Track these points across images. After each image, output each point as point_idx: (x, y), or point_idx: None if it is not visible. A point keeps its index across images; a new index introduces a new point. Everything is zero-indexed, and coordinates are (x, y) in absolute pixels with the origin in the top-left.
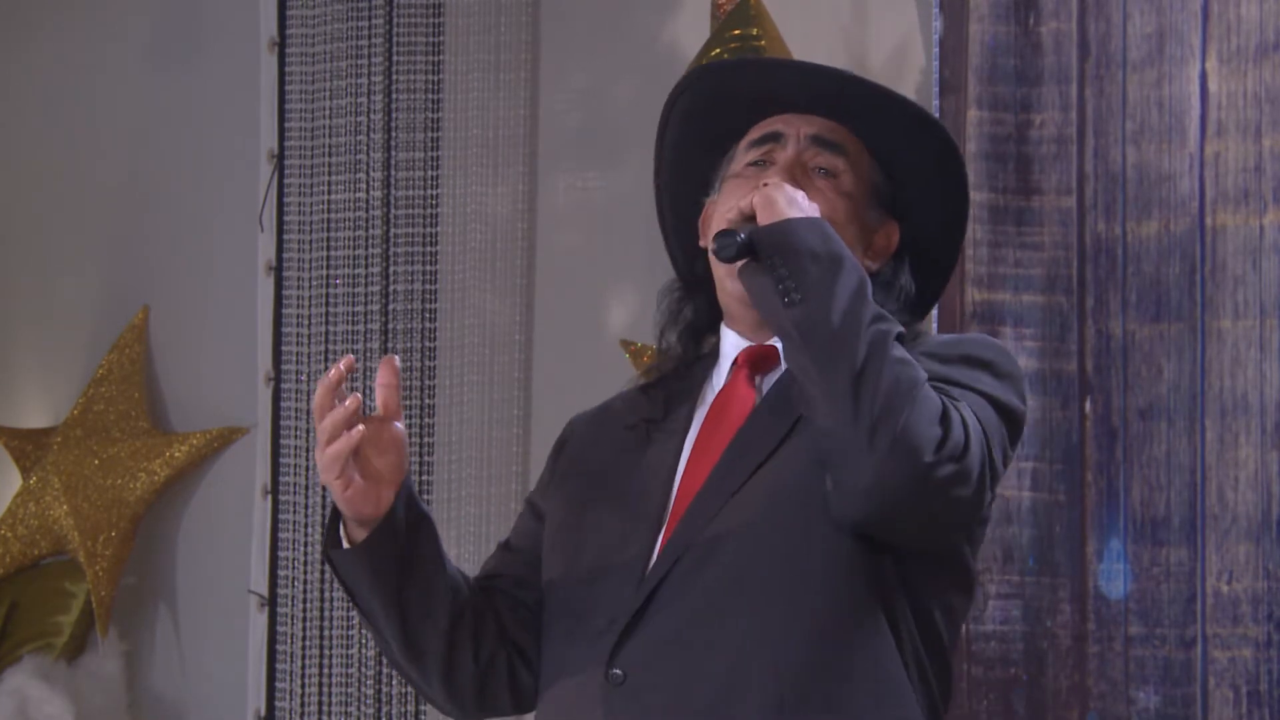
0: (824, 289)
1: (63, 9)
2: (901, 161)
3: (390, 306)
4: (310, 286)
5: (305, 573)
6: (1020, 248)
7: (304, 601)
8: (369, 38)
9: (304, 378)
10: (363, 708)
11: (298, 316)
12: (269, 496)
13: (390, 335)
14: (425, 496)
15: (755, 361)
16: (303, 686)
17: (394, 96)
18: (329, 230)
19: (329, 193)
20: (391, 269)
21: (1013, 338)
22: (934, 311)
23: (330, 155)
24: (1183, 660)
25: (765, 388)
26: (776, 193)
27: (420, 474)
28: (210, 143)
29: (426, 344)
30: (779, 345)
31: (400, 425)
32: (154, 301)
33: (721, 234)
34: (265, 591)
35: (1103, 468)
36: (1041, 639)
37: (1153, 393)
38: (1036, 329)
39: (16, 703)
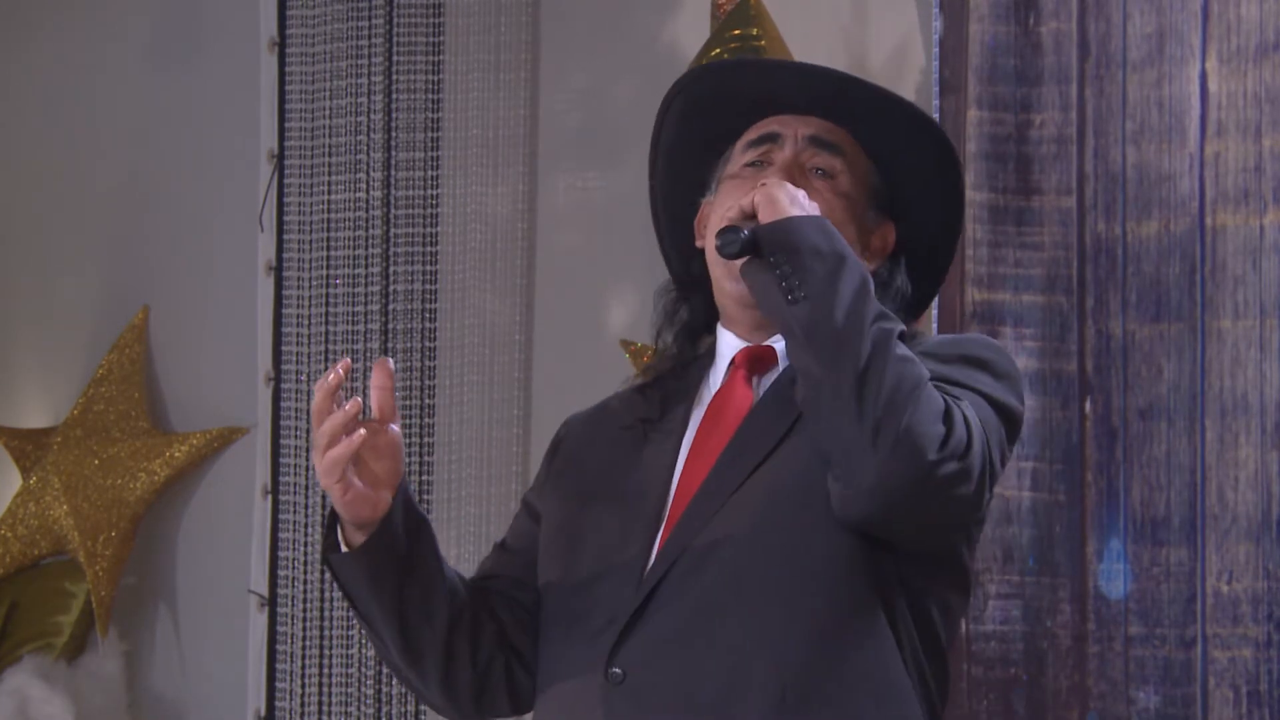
0: (827, 287)
1: (63, 9)
2: (899, 163)
3: (390, 306)
4: (310, 286)
5: (305, 573)
6: (1020, 248)
7: (304, 601)
8: (369, 38)
9: (304, 378)
10: (363, 708)
11: (298, 316)
12: (269, 496)
13: (390, 335)
14: (425, 496)
15: (752, 362)
16: (303, 686)
17: (394, 96)
18: (329, 230)
19: (329, 193)
20: (391, 269)
21: (1013, 338)
22: (934, 311)
23: (330, 155)
24: (1183, 660)
25: (762, 388)
26: (778, 191)
27: (420, 474)
28: (210, 143)
29: (426, 344)
30: (776, 346)
31: (396, 428)
32: (154, 301)
33: (725, 230)
34: (265, 591)
35: (1103, 468)
36: (1041, 639)
37: (1153, 393)
38: (1036, 329)
39: (16, 703)
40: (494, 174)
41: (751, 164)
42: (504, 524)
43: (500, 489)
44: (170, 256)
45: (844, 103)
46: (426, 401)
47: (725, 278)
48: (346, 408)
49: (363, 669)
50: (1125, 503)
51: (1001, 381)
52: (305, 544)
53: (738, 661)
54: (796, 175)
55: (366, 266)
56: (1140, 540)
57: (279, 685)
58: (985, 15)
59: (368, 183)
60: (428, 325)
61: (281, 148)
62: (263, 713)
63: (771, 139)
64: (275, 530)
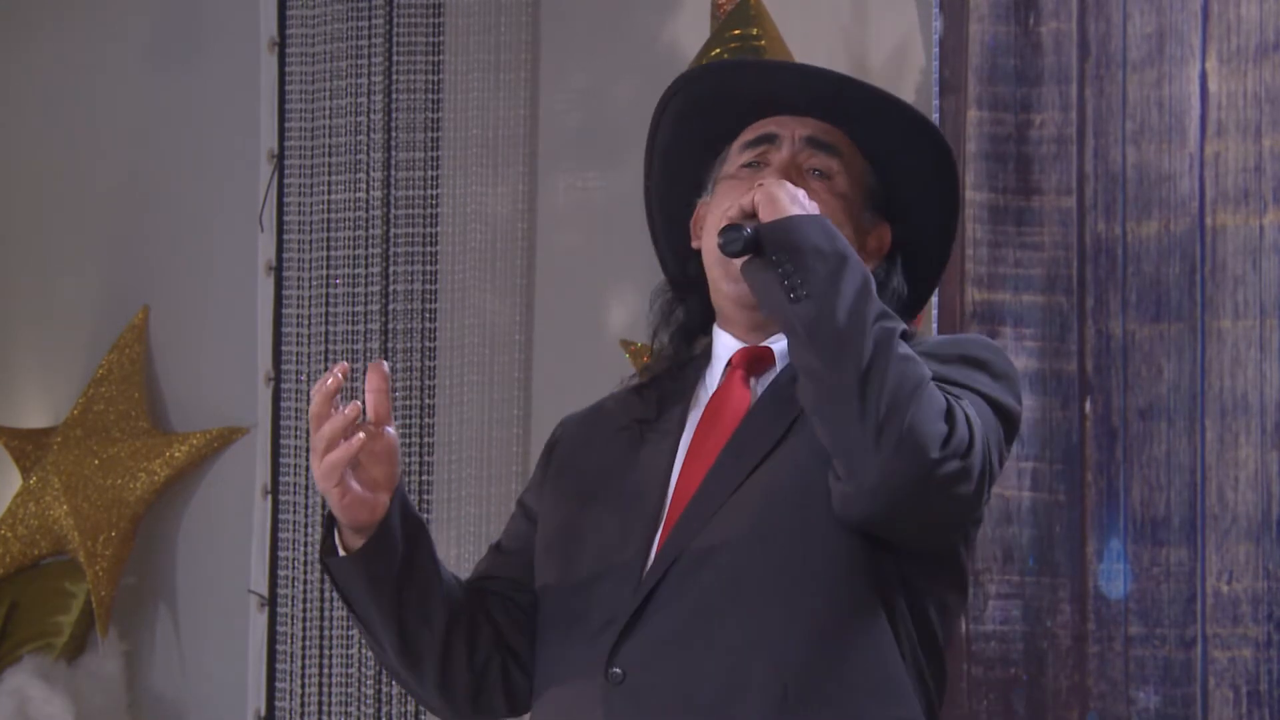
0: (830, 286)
1: (63, 9)
2: (895, 164)
3: (390, 306)
4: (310, 286)
5: (305, 573)
6: (1020, 248)
7: (304, 601)
8: (369, 38)
9: (304, 378)
10: (363, 708)
11: (298, 316)
12: (269, 496)
13: (390, 335)
14: (425, 497)
15: (750, 363)
16: (303, 686)
17: (394, 96)
18: (329, 230)
19: (329, 193)
20: (391, 269)
21: (1013, 338)
22: (934, 311)
23: (330, 155)
24: (1183, 660)
25: (760, 389)
26: (778, 190)
27: (420, 474)
28: (210, 143)
29: (426, 344)
30: (774, 347)
31: (392, 430)
32: (154, 301)
33: (728, 228)
34: (265, 591)
35: (1103, 468)
36: (1041, 639)
37: (1153, 393)
38: (1036, 329)
39: (16, 703)
40: (494, 174)
41: (748, 165)
42: (504, 524)
43: (500, 489)
44: (170, 256)
45: (841, 104)
46: (426, 401)
47: (723, 279)
48: (346, 411)
49: (363, 669)
50: (1125, 503)
51: (1000, 382)
52: (305, 544)
53: (737, 662)
54: (794, 176)
55: (366, 266)
56: (1140, 540)
57: (279, 685)
58: (985, 15)
59: (368, 183)
60: (428, 325)
61: (281, 148)
62: (263, 713)
63: (768, 140)
64: (275, 530)
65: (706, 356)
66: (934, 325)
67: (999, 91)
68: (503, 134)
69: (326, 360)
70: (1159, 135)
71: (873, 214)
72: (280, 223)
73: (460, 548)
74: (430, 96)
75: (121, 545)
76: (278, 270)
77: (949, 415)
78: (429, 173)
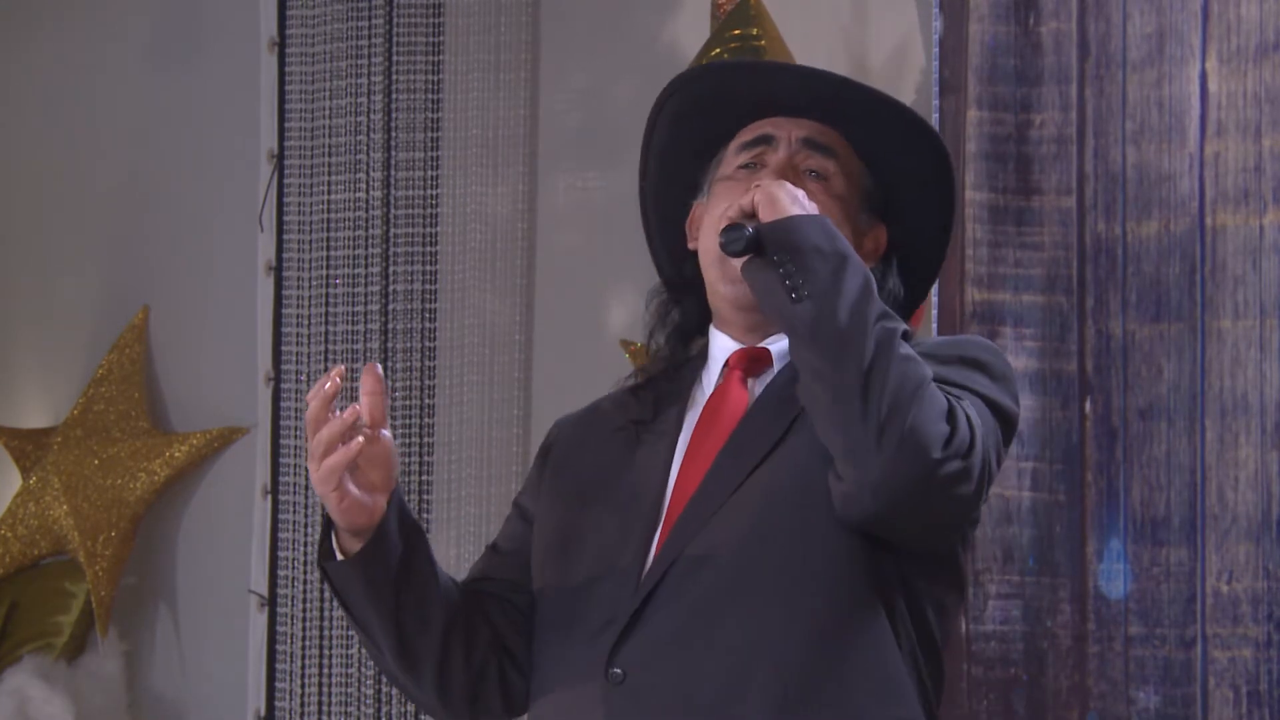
0: (831, 286)
1: (63, 9)
2: (891, 165)
3: (390, 306)
4: (310, 286)
5: (305, 573)
6: (1020, 248)
7: (304, 601)
8: (369, 38)
9: (304, 378)
10: (363, 708)
11: (298, 316)
12: (269, 496)
13: (390, 335)
14: (425, 496)
15: (747, 364)
16: (303, 686)
17: (394, 96)
18: (329, 230)
19: (329, 193)
20: (391, 269)
21: (1013, 338)
22: (934, 312)
23: (330, 155)
24: (1183, 660)
25: (757, 390)
26: (778, 190)
27: (420, 474)
28: (210, 143)
29: (426, 344)
30: (771, 348)
31: (388, 433)
32: (154, 301)
33: (729, 228)
34: (265, 591)
35: (1103, 468)
36: (1041, 639)
37: (1153, 393)
38: (1036, 329)
39: (16, 703)
40: (494, 174)
41: (745, 166)
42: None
43: (500, 489)
44: (170, 256)
45: (838, 105)
46: (426, 401)
47: (720, 280)
48: (344, 415)
49: (363, 669)
50: (1125, 503)
51: (998, 383)
52: (305, 544)
53: (737, 662)
54: (791, 177)
55: (366, 266)
56: (1140, 540)
57: (279, 685)
58: (985, 15)
59: (368, 183)
60: (428, 325)
61: (281, 148)
62: (263, 713)
63: (765, 141)
64: (275, 530)
65: (703, 357)
66: (934, 325)
67: (999, 91)
68: (503, 134)
69: (326, 360)
70: (1159, 135)
71: (869, 215)
72: (280, 223)
73: (460, 548)
74: (430, 96)
75: (121, 545)
76: (278, 270)
77: (950, 416)
78: (429, 173)
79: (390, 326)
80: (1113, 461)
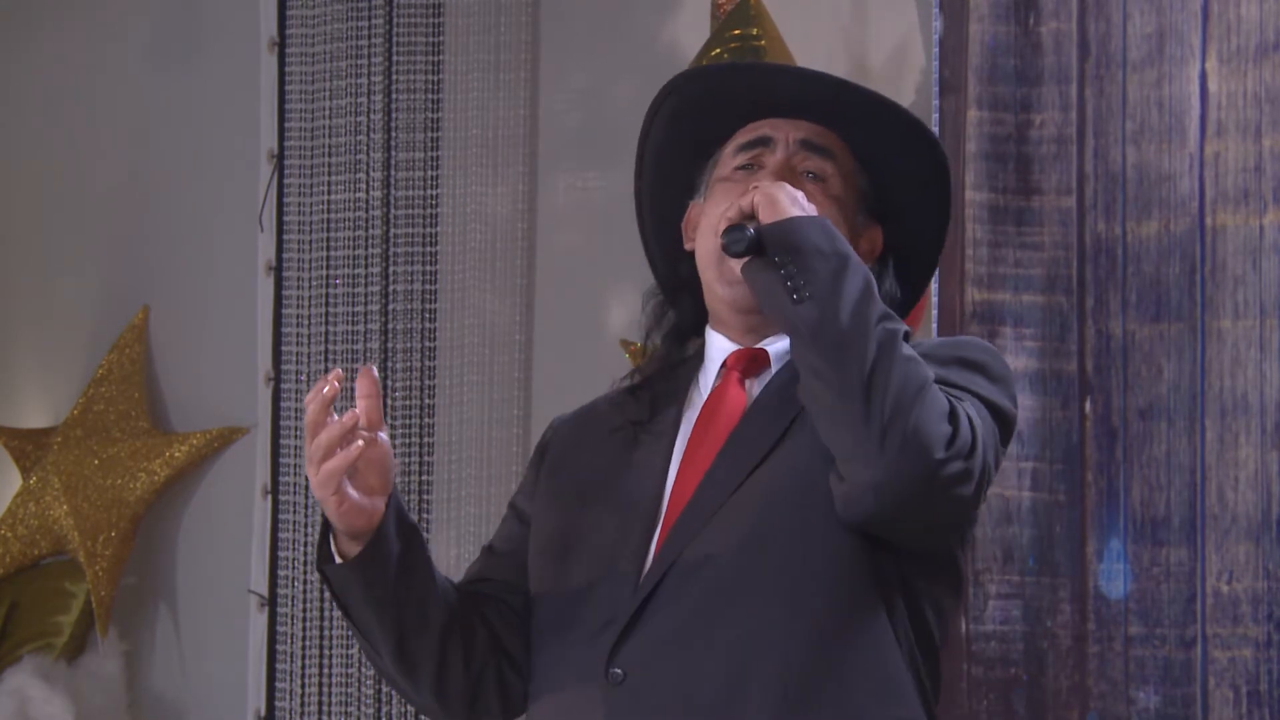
0: (832, 287)
1: (63, 9)
2: (888, 167)
3: (390, 306)
4: (310, 286)
5: (305, 573)
6: (1020, 248)
7: (304, 601)
8: (369, 38)
9: (304, 378)
10: (363, 708)
11: (298, 316)
12: (269, 496)
13: (390, 335)
14: (425, 496)
15: (745, 365)
16: (303, 686)
17: (394, 96)
18: (329, 230)
19: (329, 193)
20: (391, 269)
21: (1013, 338)
22: (933, 312)
23: (330, 155)
24: (1183, 660)
25: (755, 391)
26: (778, 191)
27: (420, 474)
28: (210, 143)
29: (426, 344)
30: (769, 349)
31: (385, 437)
32: (154, 301)
33: (731, 229)
34: (265, 591)
35: (1103, 468)
36: (1041, 639)
37: (1153, 393)
38: (1036, 329)
39: (16, 703)
40: (494, 174)
41: (743, 167)
42: None
43: (500, 489)
44: (170, 256)
45: (836, 107)
46: (426, 401)
47: (717, 281)
48: (344, 420)
49: (362, 669)
50: (1125, 503)
51: (996, 384)
52: (305, 544)
53: (738, 662)
54: (788, 179)
55: (366, 266)
56: (1140, 540)
57: (279, 685)
58: (985, 15)
59: (368, 183)
60: (428, 325)
61: (281, 148)
62: (263, 713)
63: (763, 143)
64: (275, 530)
65: (699, 358)
66: (934, 326)
67: (999, 91)
68: (503, 134)
69: (326, 360)
70: (1159, 135)
71: (865, 217)
72: (280, 223)
73: (460, 548)
74: (430, 96)
75: (121, 545)
76: (278, 270)
77: (952, 417)
78: (429, 173)
79: (390, 326)
80: (1113, 461)
